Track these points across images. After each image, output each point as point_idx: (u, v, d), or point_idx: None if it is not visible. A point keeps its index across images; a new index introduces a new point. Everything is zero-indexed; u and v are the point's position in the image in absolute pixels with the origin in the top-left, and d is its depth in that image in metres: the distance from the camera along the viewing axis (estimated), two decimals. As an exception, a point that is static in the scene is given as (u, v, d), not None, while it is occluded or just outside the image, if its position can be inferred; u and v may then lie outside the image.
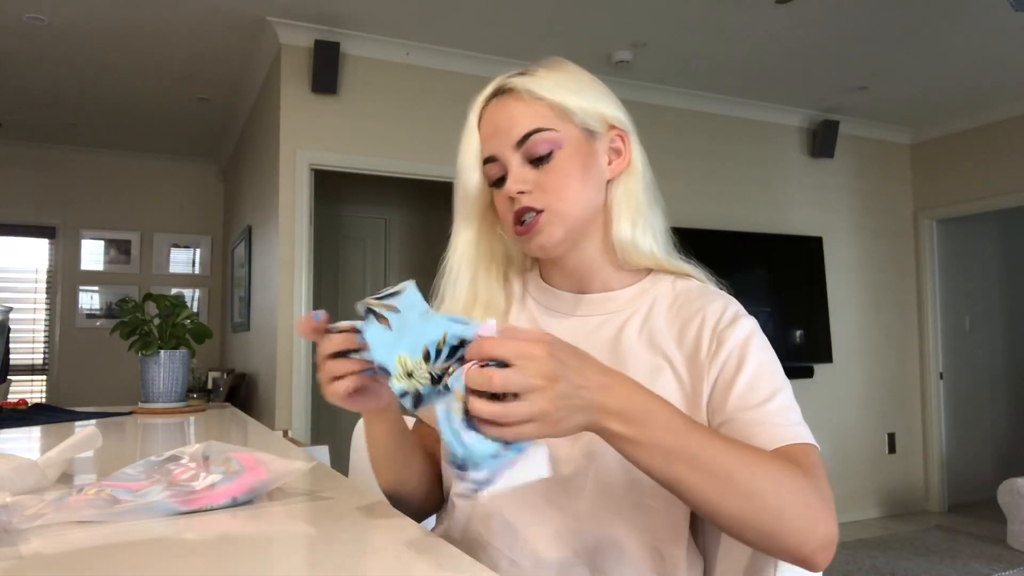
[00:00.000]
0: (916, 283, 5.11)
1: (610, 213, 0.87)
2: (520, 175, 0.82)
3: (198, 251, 5.60)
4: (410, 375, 0.61)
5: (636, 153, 0.88)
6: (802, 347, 4.57)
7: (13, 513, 0.62)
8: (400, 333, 0.61)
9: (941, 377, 5.03)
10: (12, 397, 2.01)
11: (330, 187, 4.38)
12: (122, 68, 3.83)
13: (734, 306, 0.84)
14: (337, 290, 4.94)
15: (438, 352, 0.60)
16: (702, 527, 0.86)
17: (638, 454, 0.63)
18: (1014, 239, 5.62)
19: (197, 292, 5.56)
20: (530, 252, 0.87)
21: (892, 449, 4.91)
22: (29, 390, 5.17)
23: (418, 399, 0.61)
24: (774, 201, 4.61)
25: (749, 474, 0.64)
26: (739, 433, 0.74)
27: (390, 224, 5.15)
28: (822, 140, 4.68)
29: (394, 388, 0.61)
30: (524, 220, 0.83)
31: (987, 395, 5.38)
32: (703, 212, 4.32)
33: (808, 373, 4.57)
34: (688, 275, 0.90)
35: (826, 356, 4.60)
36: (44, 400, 5.11)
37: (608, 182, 0.87)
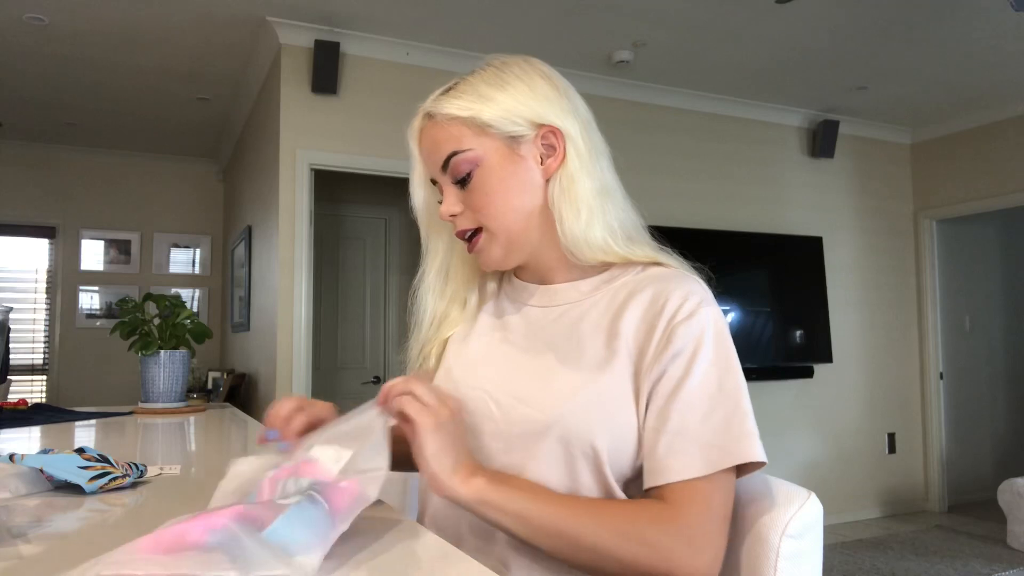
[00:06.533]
0: (916, 283, 5.10)
1: (553, 212, 0.85)
2: (452, 197, 0.85)
3: (198, 251, 5.60)
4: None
5: (577, 146, 0.84)
6: (802, 347, 4.57)
7: (13, 513, 0.62)
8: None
9: (941, 377, 5.03)
10: (12, 397, 2.01)
11: (330, 187, 4.38)
12: (122, 68, 3.83)
13: (696, 297, 0.80)
14: (337, 290, 4.94)
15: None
16: None
17: (491, 514, 0.72)
18: (1014, 239, 5.62)
19: (197, 292, 5.56)
20: (484, 268, 0.90)
21: (892, 449, 4.91)
22: (29, 390, 5.16)
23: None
24: (774, 201, 4.61)
25: (592, 532, 0.71)
26: (661, 449, 0.75)
27: (390, 224, 5.14)
28: (822, 140, 4.68)
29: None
30: (469, 237, 0.86)
31: (987, 395, 5.37)
32: (703, 212, 4.31)
33: (808, 373, 4.57)
34: (656, 263, 0.86)
35: (826, 356, 4.60)
36: (44, 400, 5.10)
37: (548, 181, 0.85)
